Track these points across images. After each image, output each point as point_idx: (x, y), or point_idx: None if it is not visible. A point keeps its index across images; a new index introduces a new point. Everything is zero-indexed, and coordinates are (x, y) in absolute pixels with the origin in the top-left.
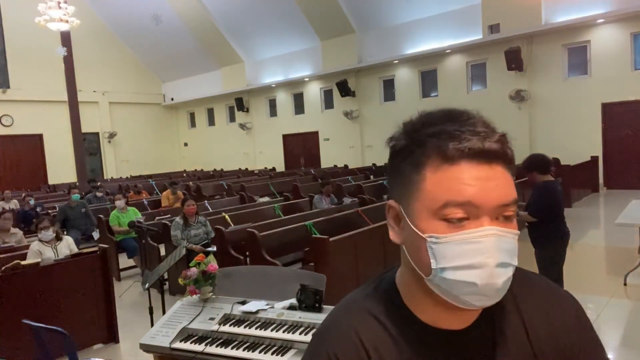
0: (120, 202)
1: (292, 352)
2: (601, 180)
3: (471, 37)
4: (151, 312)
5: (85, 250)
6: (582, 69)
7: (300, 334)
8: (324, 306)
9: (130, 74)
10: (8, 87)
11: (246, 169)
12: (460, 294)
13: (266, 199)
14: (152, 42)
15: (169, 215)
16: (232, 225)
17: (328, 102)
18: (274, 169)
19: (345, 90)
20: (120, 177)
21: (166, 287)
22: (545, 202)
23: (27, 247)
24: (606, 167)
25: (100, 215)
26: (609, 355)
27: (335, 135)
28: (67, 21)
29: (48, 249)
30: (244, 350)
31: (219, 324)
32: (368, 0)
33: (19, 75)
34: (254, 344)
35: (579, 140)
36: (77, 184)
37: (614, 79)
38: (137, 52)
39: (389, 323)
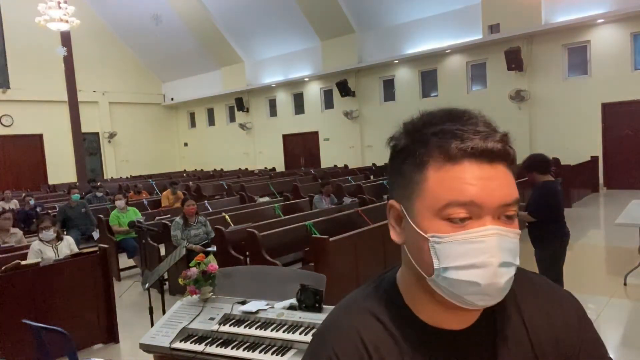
0: (120, 202)
1: (292, 352)
2: (601, 180)
3: (471, 37)
4: (151, 312)
5: (85, 251)
6: (582, 69)
7: (300, 334)
8: (324, 306)
9: (130, 74)
10: (8, 87)
11: (246, 169)
12: (463, 293)
13: (266, 199)
14: (152, 42)
15: (169, 215)
16: (232, 225)
17: (328, 102)
18: (274, 169)
19: (345, 90)
20: (120, 177)
21: (166, 287)
22: (545, 202)
23: (27, 247)
24: (606, 167)
25: (100, 215)
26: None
27: (335, 135)
28: (67, 21)
29: (49, 248)
30: (244, 350)
31: (219, 324)
32: (368, 0)
33: (19, 75)
34: (254, 344)
35: (579, 140)
36: (77, 184)
37: (614, 79)
38: (137, 52)
39: (389, 323)
